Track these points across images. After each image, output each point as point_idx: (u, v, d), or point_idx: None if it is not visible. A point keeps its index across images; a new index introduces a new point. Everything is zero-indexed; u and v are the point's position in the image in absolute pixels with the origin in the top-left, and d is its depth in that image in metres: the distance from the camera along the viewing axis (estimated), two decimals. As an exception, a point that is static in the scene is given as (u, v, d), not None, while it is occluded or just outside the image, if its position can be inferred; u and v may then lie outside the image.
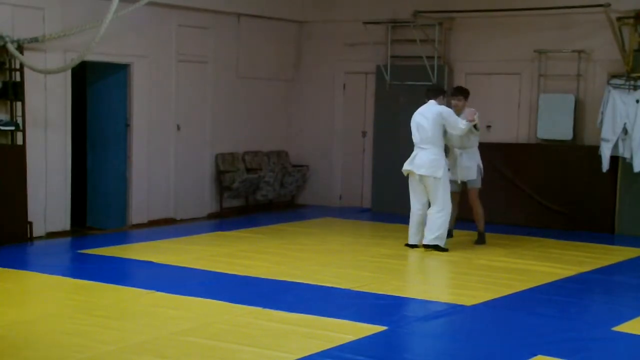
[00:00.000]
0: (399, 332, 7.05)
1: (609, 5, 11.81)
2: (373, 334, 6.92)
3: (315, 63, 14.86)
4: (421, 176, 10.56)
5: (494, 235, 11.55)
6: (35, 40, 10.71)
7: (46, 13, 11.00)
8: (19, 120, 10.69)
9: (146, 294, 8.11)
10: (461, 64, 13.67)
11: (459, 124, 10.48)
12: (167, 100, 12.75)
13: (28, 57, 10.59)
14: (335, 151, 14.84)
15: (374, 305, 8.00)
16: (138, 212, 12.38)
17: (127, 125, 12.25)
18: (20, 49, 10.53)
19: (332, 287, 8.57)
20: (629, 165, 12.05)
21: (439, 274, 9.91)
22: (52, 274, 9.00)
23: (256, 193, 13.90)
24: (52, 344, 6.48)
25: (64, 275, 9.07)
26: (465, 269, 9.73)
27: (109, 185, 12.37)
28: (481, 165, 11.10)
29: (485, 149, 11.56)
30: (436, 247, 10.51)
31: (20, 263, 9.59)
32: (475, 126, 10.65)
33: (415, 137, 10.64)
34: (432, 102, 10.69)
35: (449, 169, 10.84)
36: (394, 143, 13.61)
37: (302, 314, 7.42)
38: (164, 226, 12.48)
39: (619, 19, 12.09)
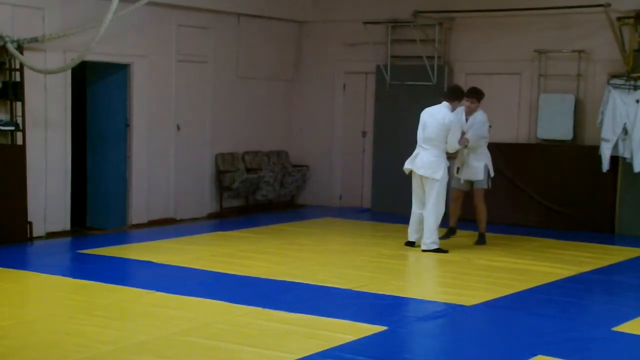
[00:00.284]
0: (399, 332, 7.04)
1: (609, 5, 11.81)
2: (373, 334, 6.92)
3: (315, 63, 14.86)
4: (420, 176, 10.57)
5: (494, 235, 11.55)
6: (35, 40, 10.71)
7: (46, 13, 11.00)
8: (19, 120, 10.69)
9: (146, 294, 8.11)
10: (461, 64, 13.67)
11: (454, 142, 10.47)
12: (167, 100, 12.75)
13: (28, 57, 10.59)
14: (335, 151, 14.83)
15: (374, 305, 8.00)
16: (138, 212, 12.38)
17: (127, 125, 12.25)
18: (20, 49, 10.53)
19: (332, 287, 8.57)
20: (629, 165, 12.05)
21: (439, 274, 9.90)
22: (52, 274, 9.00)
23: (256, 193, 13.90)
24: (52, 344, 6.48)
25: (64, 275, 9.08)
26: (465, 269, 9.73)
27: (109, 185, 12.37)
28: (490, 166, 11.07)
29: (485, 149, 11.58)
30: (436, 250, 10.51)
31: (20, 263, 9.59)
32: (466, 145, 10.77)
33: (420, 135, 10.63)
34: (445, 103, 10.62)
35: (457, 168, 10.86)
36: (394, 143, 13.62)
37: (302, 314, 7.42)
38: (164, 226, 12.48)
39: (619, 19, 12.09)
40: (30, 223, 10.88)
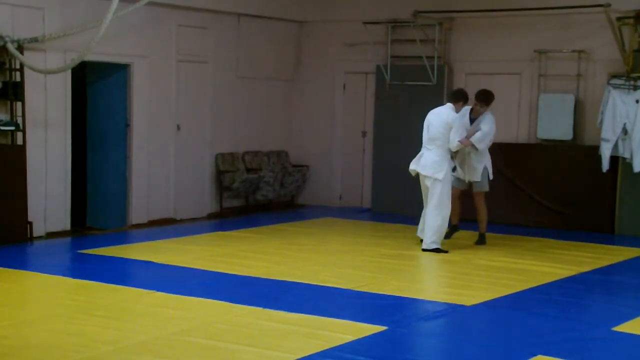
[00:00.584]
0: (399, 332, 7.04)
1: (609, 5, 11.81)
2: (373, 334, 6.92)
3: (315, 63, 14.86)
4: (424, 176, 10.61)
5: (494, 235, 11.55)
6: (35, 40, 10.71)
7: (46, 13, 11.00)
8: (19, 120, 10.69)
9: (146, 294, 8.11)
10: (461, 64, 13.67)
11: (454, 141, 10.49)
12: (167, 100, 12.75)
13: (28, 57, 10.59)
14: (335, 151, 14.83)
15: (374, 305, 8.00)
16: (138, 212, 12.38)
17: (127, 125, 12.25)
18: (20, 49, 10.53)
19: (332, 287, 8.58)
20: (629, 165, 12.05)
21: (439, 274, 9.90)
22: (52, 274, 9.00)
23: (256, 193, 13.90)
24: (52, 344, 6.48)
25: (64, 275, 9.08)
26: (465, 269, 9.74)
27: (109, 185, 12.36)
28: (489, 169, 11.06)
29: (485, 149, 11.58)
30: (435, 250, 10.51)
31: (20, 263, 9.59)
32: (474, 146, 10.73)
33: (424, 135, 10.69)
34: (449, 105, 10.70)
35: (457, 166, 10.86)
36: (394, 143, 13.62)
37: (302, 314, 7.42)
38: (164, 226, 12.48)
39: (619, 19, 12.09)
40: (30, 223, 10.88)
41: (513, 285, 8.83)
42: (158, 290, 8.22)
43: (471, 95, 11.10)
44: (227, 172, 13.55)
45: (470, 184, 11.13)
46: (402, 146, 12.68)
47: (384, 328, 7.08)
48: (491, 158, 11.12)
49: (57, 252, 10.55)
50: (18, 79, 10.65)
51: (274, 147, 14.64)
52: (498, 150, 12.62)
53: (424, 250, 10.57)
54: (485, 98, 10.98)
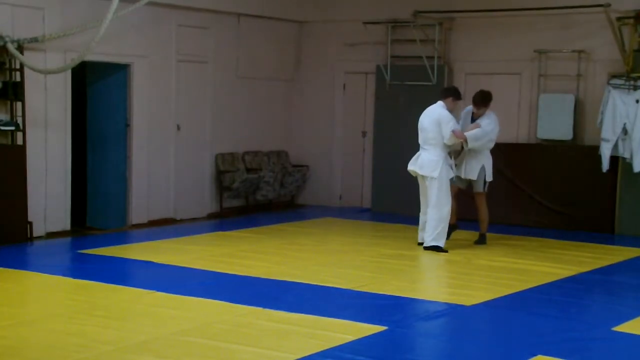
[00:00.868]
0: (399, 332, 7.04)
1: (609, 5, 11.81)
2: (373, 334, 6.92)
3: (315, 63, 14.85)
4: (422, 176, 10.62)
5: (494, 236, 11.55)
6: (35, 40, 10.71)
7: (46, 13, 11.00)
8: (19, 120, 10.69)
9: (146, 294, 8.11)
10: (461, 64, 13.67)
11: (447, 133, 10.49)
12: (167, 100, 12.75)
13: (28, 57, 10.59)
14: (335, 151, 14.83)
15: (374, 305, 8.00)
16: (138, 212, 12.38)
17: (127, 125, 12.25)
18: (20, 49, 10.53)
19: (332, 287, 8.57)
20: (629, 165, 12.05)
21: (439, 274, 9.91)
22: (52, 274, 9.00)
23: (256, 193, 13.90)
24: (52, 344, 6.48)
25: (64, 275, 9.08)
26: (465, 269, 9.74)
27: (109, 185, 12.36)
28: (487, 170, 11.02)
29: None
30: (435, 248, 10.52)
31: (20, 263, 9.59)
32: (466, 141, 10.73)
33: (420, 137, 10.70)
34: (439, 103, 10.73)
35: (455, 165, 10.86)
36: (394, 143, 13.62)
37: (302, 314, 7.42)
38: (164, 226, 12.48)
39: (619, 19, 12.09)
40: (30, 223, 10.88)
41: (513, 285, 8.83)
42: (158, 290, 8.22)
43: (471, 96, 11.11)
44: (227, 172, 13.55)
45: (471, 183, 11.13)
46: (402, 146, 12.68)
47: (384, 328, 7.08)
48: (492, 159, 11.11)
49: (57, 252, 10.55)
50: (18, 79, 10.65)
51: (274, 147, 14.64)
52: (498, 150, 12.60)
53: (425, 248, 10.57)
54: (481, 99, 10.98)
